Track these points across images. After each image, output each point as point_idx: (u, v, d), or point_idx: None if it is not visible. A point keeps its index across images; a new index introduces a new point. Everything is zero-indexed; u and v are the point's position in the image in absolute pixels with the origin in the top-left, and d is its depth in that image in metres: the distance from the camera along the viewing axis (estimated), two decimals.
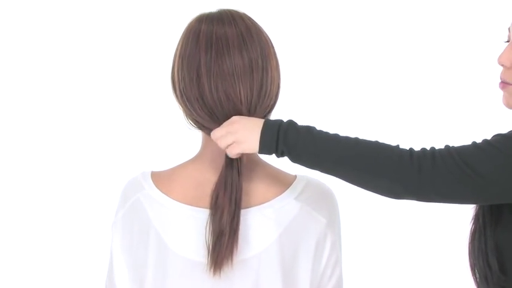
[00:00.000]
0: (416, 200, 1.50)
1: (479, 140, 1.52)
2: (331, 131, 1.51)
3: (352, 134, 1.51)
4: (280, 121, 1.49)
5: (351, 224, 2.38)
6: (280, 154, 1.49)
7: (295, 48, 3.53)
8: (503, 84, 1.61)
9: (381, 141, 1.51)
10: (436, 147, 1.51)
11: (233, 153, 1.49)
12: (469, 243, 1.66)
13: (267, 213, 1.52)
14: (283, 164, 1.57)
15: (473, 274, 1.66)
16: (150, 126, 3.27)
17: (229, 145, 1.48)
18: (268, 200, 1.53)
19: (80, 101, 3.52)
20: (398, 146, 1.50)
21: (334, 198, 1.59)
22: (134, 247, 1.56)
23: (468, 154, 1.47)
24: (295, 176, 1.58)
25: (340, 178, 1.50)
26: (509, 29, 1.61)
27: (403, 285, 3.38)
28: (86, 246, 3.43)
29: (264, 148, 1.48)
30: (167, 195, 1.55)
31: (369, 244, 3.28)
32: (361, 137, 1.51)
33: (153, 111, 3.09)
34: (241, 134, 1.47)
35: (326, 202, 1.56)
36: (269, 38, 1.55)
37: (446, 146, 1.51)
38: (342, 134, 1.52)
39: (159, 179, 1.58)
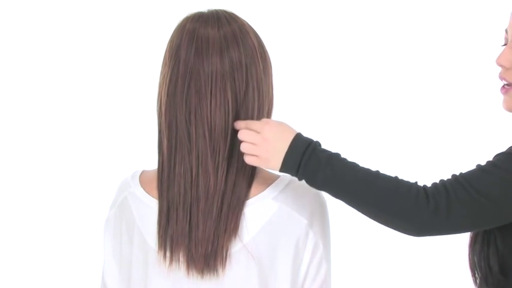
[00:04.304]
0: (431, 235, 1.50)
1: (482, 162, 1.52)
2: (351, 153, 1.49)
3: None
4: (305, 148, 1.48)
5: (346, 225, 2.37)
6: (300, 179, 1.51)
7: (293, 49, 3.52)
8: (506, 89, 1.59)
9: (400, 175, 1.51)
10: (444, 178, 1.51)
11: (251, 163, 1.50)
12: (470, 246, 1.65)
13: (244, 212, 1.52)
14: None
15: (473, 275, 1.65)
16: (151, 125, 3.28)
17: (250, 154, 1.49)
18: (247, 199, 1.53)
19: (81, 101, 3.53)
20: (416, 183, 1.50)
21: (320, 199, 1.57)
22: (122, 245, 1.59)
23: (477, 180, 1.47)
24: (279, 176, 1.57)
25: (358, 211, 1.51)
26: (506, 30, 1.60)
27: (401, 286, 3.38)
28: (84, 245, 3.43)
29: (285, 172, 1.50)
30: (149, 193, 1.57)
31: (366, 246, 3.27)
32: (381, 171, 1.51)
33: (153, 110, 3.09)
34: (267, 153, 1.48)
35: (309, 202, 1.54)
36: (258, 42, 1.54)
37: (454, 176, 1.51)
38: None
39: (146, 177, 1.60)
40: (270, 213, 1.53)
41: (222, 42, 1.50)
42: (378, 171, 1.50)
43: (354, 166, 1.50)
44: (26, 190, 3.53)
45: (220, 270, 1.51)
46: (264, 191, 1.54)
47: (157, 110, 1.55)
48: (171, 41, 1.54)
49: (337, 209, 1.65)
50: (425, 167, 3.43)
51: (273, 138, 1.48)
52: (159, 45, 1.68)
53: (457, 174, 1.51)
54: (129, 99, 3.51)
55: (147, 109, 1.76)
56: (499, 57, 1.59)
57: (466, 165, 1.59)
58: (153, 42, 3.08)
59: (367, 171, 1.49)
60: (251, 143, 1.48)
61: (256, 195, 1.53)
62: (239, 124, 1.50)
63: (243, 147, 1.49)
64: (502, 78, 1.60)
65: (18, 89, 3.55)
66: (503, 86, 1.60)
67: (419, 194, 1.47)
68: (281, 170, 1.49)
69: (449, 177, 1.51)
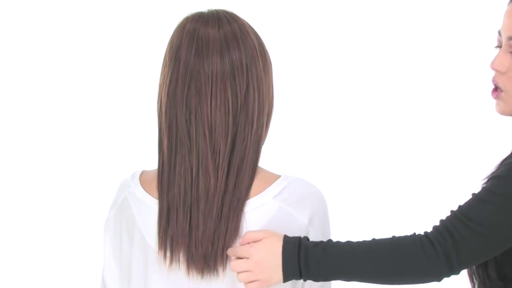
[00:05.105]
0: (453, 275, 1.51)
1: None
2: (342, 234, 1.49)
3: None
4: (297, 253, 1.47)
5: (346, 225, 2.37)
6: (305, 280, 1.50)
7: (293, 49, 3.52)
8: (497, 93, 1.58)
9: (396, 234, 1.51)
10: (443, 217, 1.51)
11: None
12: None
13: (245, 212, 1.52)
14: (276, 162, 1.57)
15: (471, 281, 1.65)
16: (151, 125, 3.29)
17: (251, 281, 1.49)
18: (248, 199, 1.52)
19: (81, 102, 3.53)
20: (414, 234, 1.50)
21: (320, 198, 1.56)
22: (123, 245, 1.59)
23: (476, 213, 1.47)
24: (279, 176, 1.56)
25: (376, 284, 1.51)
26: (499, 32, 1.58)
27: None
28: (84, 246, 3.43)
29: (291, 279, 1.50)
30: (149, 193, 1.57)
31: None
32: (376, 237, 1.51)
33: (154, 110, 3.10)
34: (266, 274, 1.48)
35: (309, 202, 1.54)
36: (258, 42, 1.54)
37: (452, 213, 1.50)
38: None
39: (146, 177, 1.60)
40: (271, 213, 1.53)
41: (223, 42, 1.50)
42: (373, 240, 1.50)
43: (350, 247, 1.49)
44: (26, 190, 3.53)
45: (220, 270, 1.51)
46: (265, 191, 1.53)
47: (157, 110, 1.55)
48: (171, 42, 1.54)
49: (338, 209, 1.64)
50: (424, 168, 3.43)
51: (263, 258, 1.48)
52: (159, 46, 1.68)
53: (455, 210, 1.50)
54: (130, 99, 3.51)
55: (148, 109, 1.76)
56: (493, 62, 1.57)
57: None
58: (153, 43, 3.08)
59: (365, 246, 1.49)
60: (246, 271, 1.48)
61: (257, 195, 1.53)
62: (229, 252, 1.50)
63: (241, 278, 1.48)
64: (494, 82, 1.59)
65: (18, 89, 3.55)
66: (494, 90, 1.59)
67: (425, 245, 1.46)
68: (285, 281, 1.49)
69: (448, 214, 1.50)
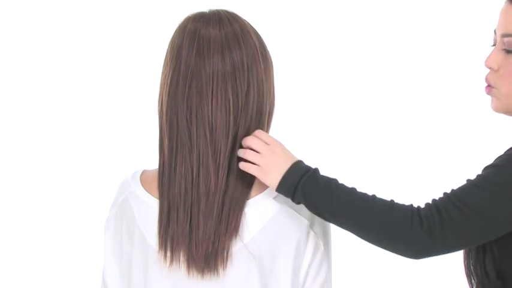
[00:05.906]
0: (430, 257, 1.51)
1: (472, 175, 1.51)
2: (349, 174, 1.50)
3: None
4: (304, 172, 1.49)
5: None
6: (296, 202, 1.51)
7: (294, 49, 3.52)
8: (489, 88, 1.59)
9: (396, 198, 1.52)
10: (436, 197, 1.51)
11: (248, 170, 1.50)
12: (465, 253, 1.65)
13: (245, 212, 1.52)
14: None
15: (469, 281, 1.65)
16: (152, 125, 3.29)
17: (251, 162, 1.49)
18: (248, 199, 1.53)
19: (82, 102, 3.54)
20: (411, 205, 1.50)
21: None
22: (123, 244, 1.59)
23: (469, 197, 1.47)
24: None
25: (354, 234, 1.52)
26: (494, 31, 1.59)
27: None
28: (84, 245, 3.43)
29: (281, 191, 1.50)
30: (150, 193, 1.57)
31: (366, 247, 3.27)
32: (377, 193, 1.52)
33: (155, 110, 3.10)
34: (269, 166, 1.49)
35: None
36: (259, 42, 1.55)
37: (445, 194, 1.50)
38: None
39: (146, 177, 1.60)
40: (271, 213, 1.53)
41: (224, 42, 1.50)
42: (374, 196, 1.51)
43: (351, 192, 1.50)
44: (26, 190, 3.54)
45: (220, 270, 1.51)
46: (265, 191, 1.54)
47: (158, 110, 1.55)
48: (173, 41, 1.54)
49: None
50: (422, 168, 3.43)
51: (280, 153, 1.49)
52: (160, 46, 1.68)
53: (448, 192, 1.50)
54: (131, 99, 3.51)
55: (148, 109, 1.77)
56: (487, 59, 1.58)
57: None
58: (154, 43, 3.08)
59: (364, 197, 1.50)
60: (256, 152, 1.49)
61: (257, 195, 1.54)
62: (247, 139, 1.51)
63: (247, 153, 1.49)
64: (487, 80, 1.60)
65: (19, 89, 3.56)
66: (486, 86, 1.60)
67: (414, 217, 1.47)
68: (277, 189, 1.50)
69: (441, 195, 1.51)
